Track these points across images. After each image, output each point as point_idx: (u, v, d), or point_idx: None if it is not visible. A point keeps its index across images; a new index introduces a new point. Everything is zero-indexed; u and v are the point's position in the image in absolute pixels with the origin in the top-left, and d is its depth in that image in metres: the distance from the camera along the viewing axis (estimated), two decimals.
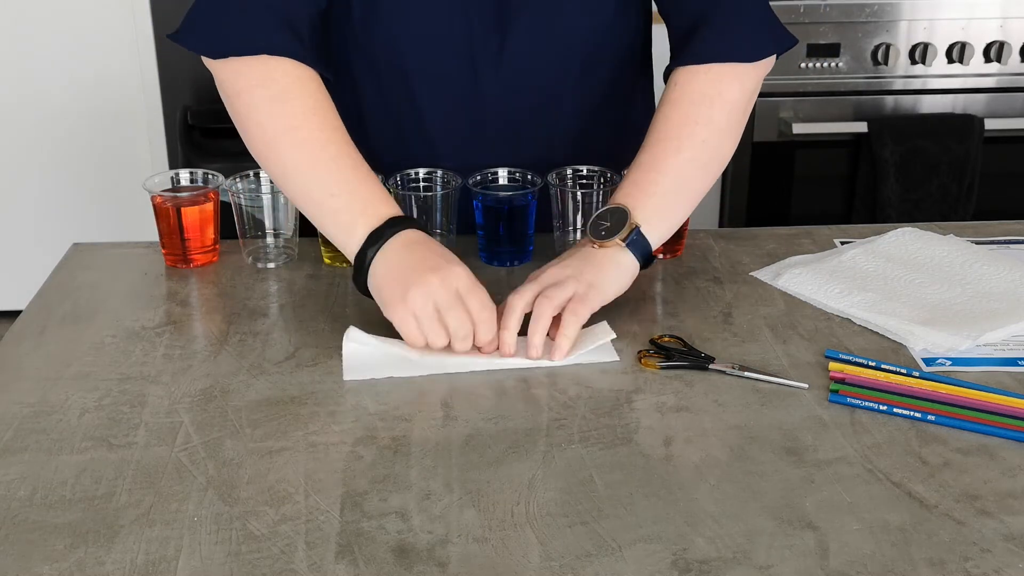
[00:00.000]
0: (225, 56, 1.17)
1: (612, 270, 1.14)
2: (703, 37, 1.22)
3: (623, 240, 1.14)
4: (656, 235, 1.17)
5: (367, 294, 1.12)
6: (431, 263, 1.08)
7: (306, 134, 1.15)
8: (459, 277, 1.07)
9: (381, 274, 1.09)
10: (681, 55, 1.24)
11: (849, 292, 1.21)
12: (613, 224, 1.15)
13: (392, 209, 1.13)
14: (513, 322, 1.09)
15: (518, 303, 1.10)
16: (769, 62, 1.26)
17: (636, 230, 1.14)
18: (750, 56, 1.23)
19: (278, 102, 1.16)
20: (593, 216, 1.17)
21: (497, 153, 1.33)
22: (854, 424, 0.99)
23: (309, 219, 1.18)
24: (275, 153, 1.16)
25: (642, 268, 1.17)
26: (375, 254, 1.10)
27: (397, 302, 1.07)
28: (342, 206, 1.13)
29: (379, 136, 1.37)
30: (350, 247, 1.12)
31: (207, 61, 1.20)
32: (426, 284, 1.06)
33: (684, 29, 1.26)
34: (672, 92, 1.22)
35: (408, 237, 1.11)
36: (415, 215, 1.29)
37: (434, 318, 1.06)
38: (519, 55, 1.31)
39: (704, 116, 1.20)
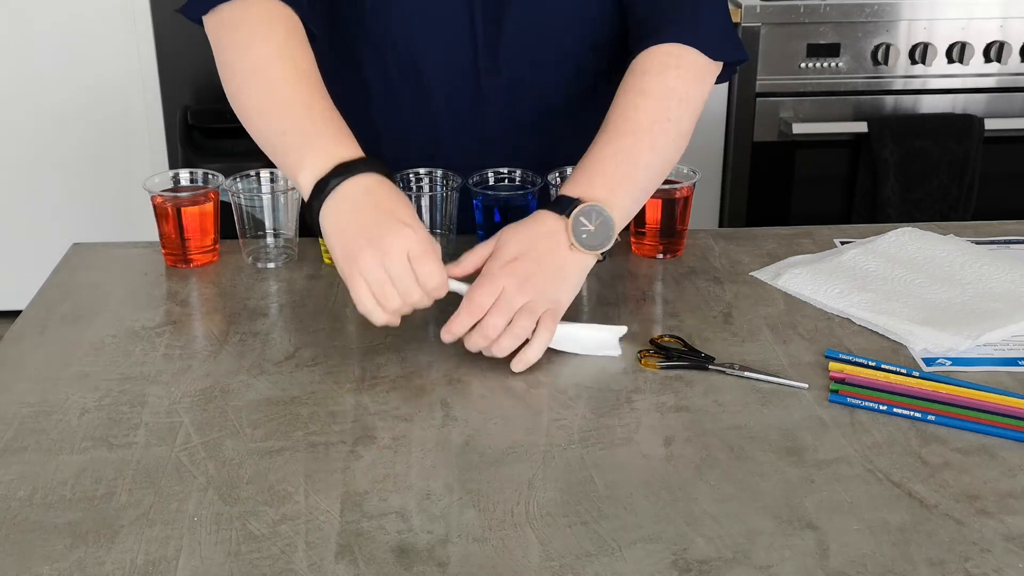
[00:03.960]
0: (209, 8, 1.17)
1: (578, 278, 1.11)
2: (665, 25, 1.21)
3: (602, 253, 1.12)
4: (619, 230, 1.14)
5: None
6: (379, 227, 1.03)
7: (269, 74, 1.13)
8: (408, 239, 1.03)
9: (330, 231, 1.06)
10: (640, 43, 1.22)
11: (849, 292, 1.21)
12: (597, 230, 1.11)
13: (341, 148, 1.08)
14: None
15: (481, 313, 1.06)
16: (716, 71, 1.24)
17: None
18: (709, 49, 1.21)
19: (244, 47, 1.15)
20: (576, 207, 1.10)
21: (498, 153, 1.33)
22: (854, 424, 0.99)
23: (278, 166, 1.16)
24: (241, 97, 1.15)
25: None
26: (320, 206, 1.06)
27: (347, 264, 1.04)
28: (291, 146, 1.10)
29: (384, 134, 1.37)
30: (301, 191, 1.09)
31: (206, 27, 1.19)
32: (375, 250, 1.02)
33: (642, 20, 1.25)
34: (634, 80, 1.19)
35: (355, 186, 1.05)
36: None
37: (385, 282, 1.03)
38: (517, 54, 1.31)
39: (673, 112, 1.18)
